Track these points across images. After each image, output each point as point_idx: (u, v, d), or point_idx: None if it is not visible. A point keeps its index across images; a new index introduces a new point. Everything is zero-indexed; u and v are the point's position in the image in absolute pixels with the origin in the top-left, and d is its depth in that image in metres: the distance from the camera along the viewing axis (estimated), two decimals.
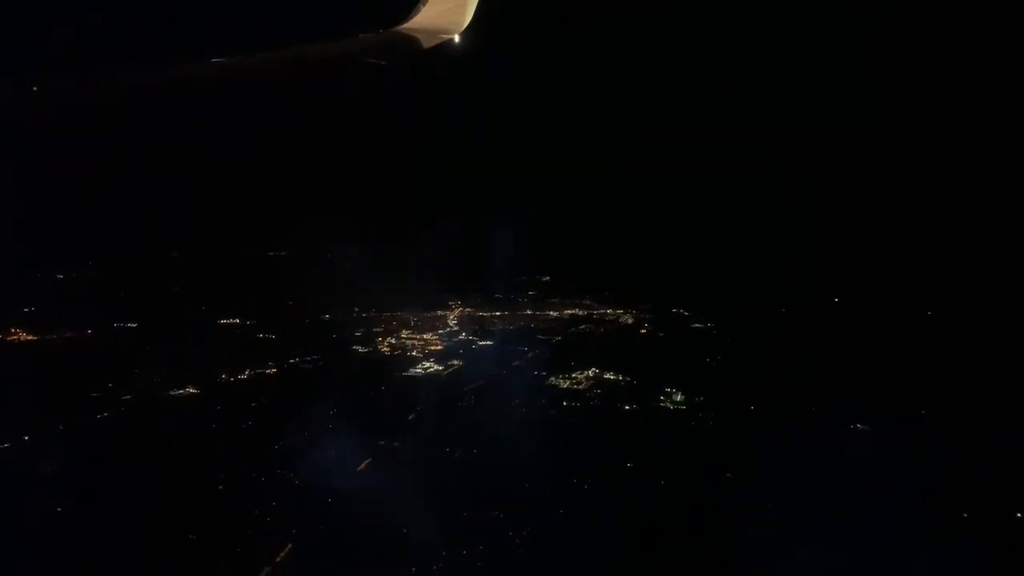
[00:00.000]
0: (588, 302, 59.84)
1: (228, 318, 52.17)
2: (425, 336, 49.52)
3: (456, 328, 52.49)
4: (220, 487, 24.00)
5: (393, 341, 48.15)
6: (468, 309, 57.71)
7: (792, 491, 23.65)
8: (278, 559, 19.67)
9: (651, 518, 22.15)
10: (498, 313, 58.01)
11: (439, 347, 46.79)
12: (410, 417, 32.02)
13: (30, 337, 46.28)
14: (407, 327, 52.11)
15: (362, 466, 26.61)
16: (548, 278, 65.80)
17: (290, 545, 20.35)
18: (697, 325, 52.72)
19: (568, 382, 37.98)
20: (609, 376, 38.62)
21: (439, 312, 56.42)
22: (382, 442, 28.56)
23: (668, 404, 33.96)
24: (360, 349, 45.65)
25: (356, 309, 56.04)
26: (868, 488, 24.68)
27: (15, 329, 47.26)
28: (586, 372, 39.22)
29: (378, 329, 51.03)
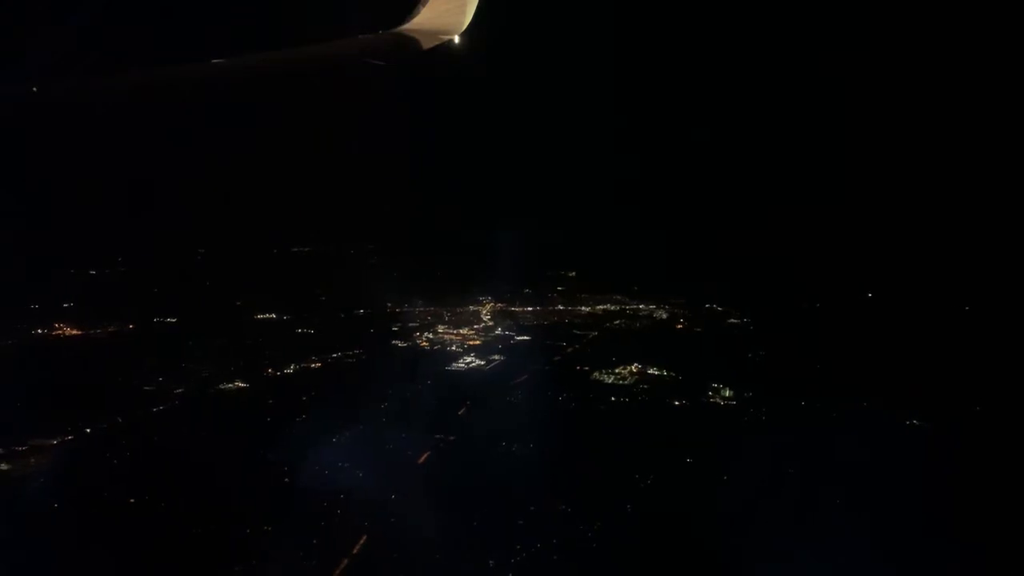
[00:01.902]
0: (618, 297, 59.69)
1: (264, 313, 52.64)
2: (461, 331, 49.60)
3: (491, 323, 52.54)
4: (286, 480, 24.22)
5: (431, 336, 48.28)
6: (499, 304, 57.79)
7: (863, 488, 23.52)
8: (355, 551, 19.83)
9: (720, 515, 22.03)
10: (530, 308, 58.06)
11: (477, 342, 46.85)
12: (461, 411, 32.09)
13: (75, 332, 46.99)
14: (442, 322, 52.27)
15: (422, 459, 26.76)
16: (574, 273, 66.04)
17: (364, 537, 20.50)
18: (733, 320, 52.36)
19: (612, 377, 37.87)
20: (653, 371, 38.45)
21: (471, 307, 56.57)
22: (439, 435, 28.66)
23: (718, 400, 33.75)
24: (400, 344, 45.80)
25: (388, 304, 56.43)
26: (934, 486, 24.37)
27: (59, 324, 48.05)
28: (629, 367, 39.09)
29: (413, 324, 51.23)
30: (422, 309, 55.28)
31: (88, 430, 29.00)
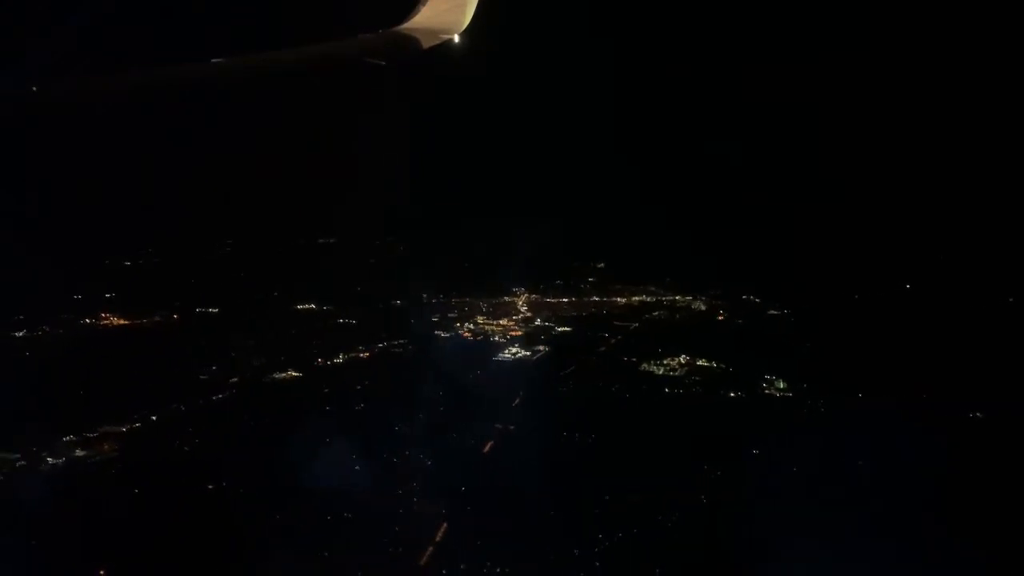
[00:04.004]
0: (652, 288, 59.35)
1: (303, 304, 53.01)
2: (501, 322, 49.65)
3: (529, 314, 52.51)
4: (356, 468, 24.43)
5: (472, 326, 48.40)
6: (534, 296, 57.74)
7: (936, 481, 23.24)
8: (438, 539, 20.00)
9: (795, 508, 21.87)
10: (565, 300, 57.90)
11: (519, 332, 46.90)
12: (515, 402, 32.13)
13: (122, 321, 47.67)
14: (480, 313, 52.34)
15: (487, 448, 26.88)
16: (602, 265, 65.76)
17: (445, 524, 20.66)
18: (773, 312, 51.85)
19: (662, 368, 37.72)
20: (702, 363, 38.22)
21: (506, 298, 56.57)
22: (498, 425, 28.76)
23: (773, 392, 33.51)
24: (443, 334, 45.97)
25: (424, 295, 56.63)
26: (1008, 481, 24.02)
27: (105, 314, 48.76)
28: (677, 359, 38.89)
29: (452, 315, 51.35)
30: (458, 300, 55.42)
31: (154, 417, 29.46)
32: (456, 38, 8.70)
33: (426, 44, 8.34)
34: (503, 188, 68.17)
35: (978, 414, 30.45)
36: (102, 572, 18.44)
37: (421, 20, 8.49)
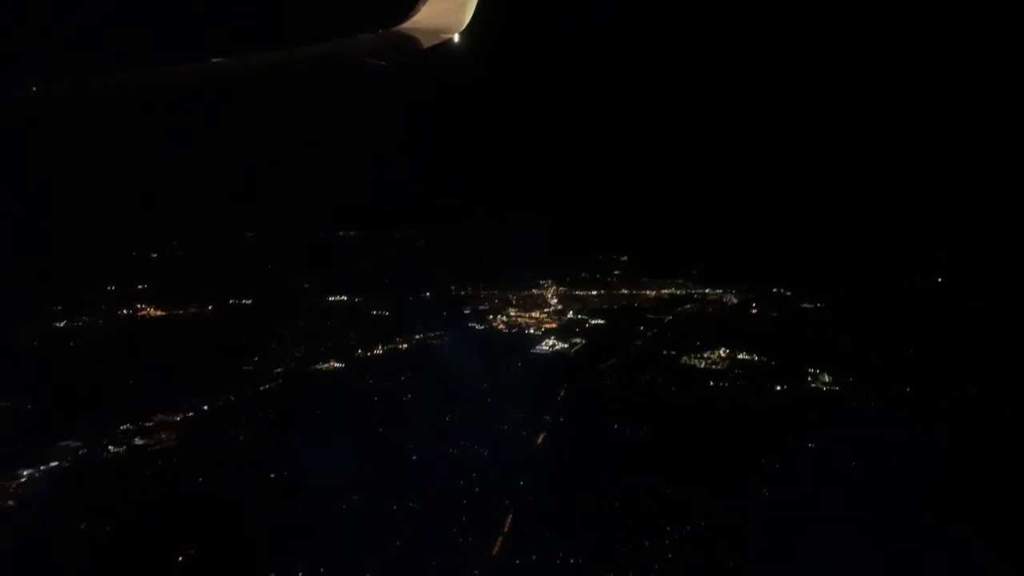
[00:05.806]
0: (680, 281, 59.16)
1: (335, 295, 53.23)
2: (534, 314, 49.64)
3: (560, 307, 52.48)
4: (414, 457, 24.58)
5: (505, 319, 48.41)
6: (562, 288, 57.68)
7: (996, 476, 23.02)
8: (506, 528, 20.08)
9: (857, 501, 21.79)
10: (594, 292, 57.83)
11: (553, 325, 46.88)
12: (561, 394, 32.14)
13: (158, 313, 48.06)
14: (511, 305, 52.32)
15: (539, 439, 26.92)
16: (626, 258, 65.56)
17: (510, 516, 20.73)
18: (807, 305, 51.53)
19: (703, 362, 37.55)
20: (743, 356, 38.01)
21: (534, 291, 56.56)
22: (547, 417, 28.79)
23: (820, 386, 33.26)
24: (477, 326, 46.06)
25: (452, 287, 56.70)
26: None
27: (141, 305, 49.19)
28: (716, 352, 38.70)
29: (484, 307, 51.39)
30: (486, 292, 55.45)
31: (205, 408, 29.73)
32: (456, 38, 8.70)
33: (426, 44, 8.35)
34: (506, 187, 68.60)
35: None
36: (180, 558, 18.69)
37: (421, 20, 8.51)
